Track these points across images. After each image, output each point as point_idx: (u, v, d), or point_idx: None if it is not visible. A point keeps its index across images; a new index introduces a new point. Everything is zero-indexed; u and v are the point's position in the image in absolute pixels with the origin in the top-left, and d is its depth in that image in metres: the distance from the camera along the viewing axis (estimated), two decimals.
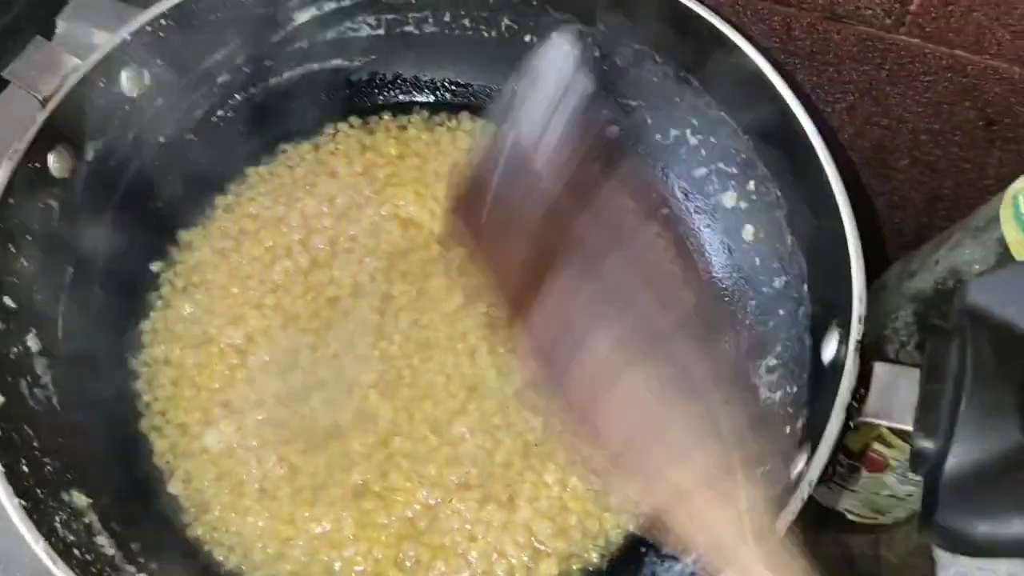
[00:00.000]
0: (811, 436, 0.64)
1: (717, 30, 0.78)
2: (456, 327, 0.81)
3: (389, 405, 0.78)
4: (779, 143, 0.77)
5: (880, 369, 0.61)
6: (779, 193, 0.78)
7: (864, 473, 0.89)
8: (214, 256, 0.84)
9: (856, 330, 0.62)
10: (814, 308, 0.73)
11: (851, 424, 0.60)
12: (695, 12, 0.78)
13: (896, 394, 0.60)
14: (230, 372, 0.79)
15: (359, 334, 0.81)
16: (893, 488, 0.91)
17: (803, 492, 0.58)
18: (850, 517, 0.99)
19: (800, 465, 0.62)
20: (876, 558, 1.03)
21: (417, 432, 0.77)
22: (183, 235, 0.85)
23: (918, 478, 0.77)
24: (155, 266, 0.84)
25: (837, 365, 0.63)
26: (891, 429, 0.61)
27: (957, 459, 0.54)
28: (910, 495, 0.92)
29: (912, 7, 0.81)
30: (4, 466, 0.61)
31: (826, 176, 0.70)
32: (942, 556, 0.96)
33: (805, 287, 0.74)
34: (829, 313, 0.69)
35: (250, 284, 0.83)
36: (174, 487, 0.75)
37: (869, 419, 0.60)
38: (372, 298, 0.82)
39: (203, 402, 0.78)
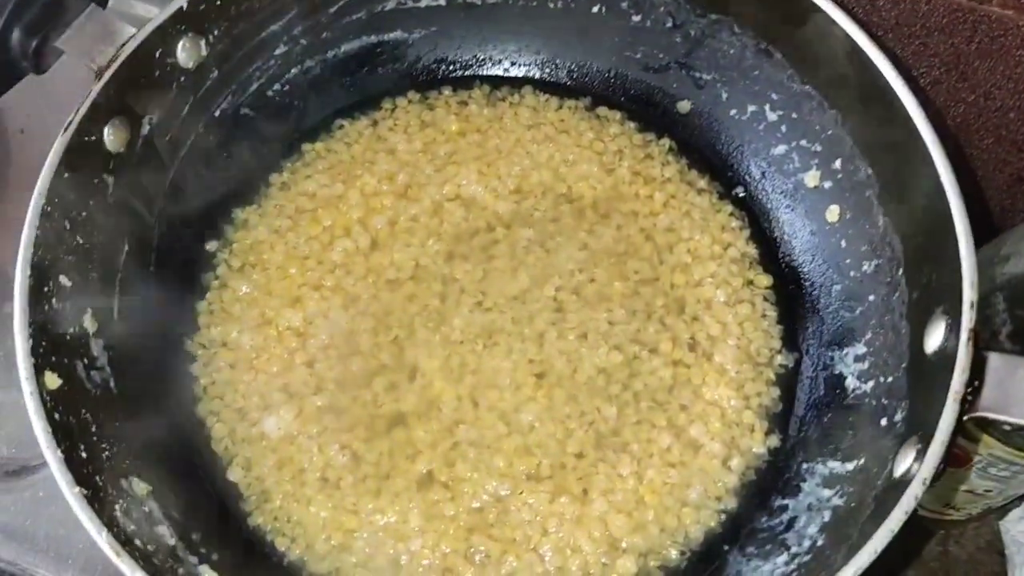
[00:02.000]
0: (916, 430, 0.60)
1: None
2: (522, 311, 0.77)
3: (453, 392, 0.75)
4: (871, 117, 0.72)
5: (995, 360, 0.57)
6: (870, 171, 0.74)
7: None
8: (271, 235, 0.81)
9: (968, 317, 0.58)
10: (912, 294, 0.68)
11: (964, 419, 0.56)
12: None
13: (1014, 387, 0.56)
14: (289, 355, 0.76)
15: (420, 318, 0.77)
16: (971, 483, 0.87)
17: (916, 490, 0.54)
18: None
19: (908, 461, 0.57)
20: (944, 553, 0.99)
21: (483, 420, 0.74)
22: (238, 213, 0.82)
23: (1009, 484, 0.73)
24: (210, 245, 0.81)
25: (946, 355, 0.59)
26: (1010, 431, 0.57)
27: None
28: (988, 491, 0.87)
29: None
30: (63, 453, 0.58)
31: (928, 151, 0.65)
32: (1015, 555, 0.92)
33: (900, 271, 0.70)
34: (932, 299, 0.64)
35: (308, 264, 0.80)
36: (233, 474, 0.72)
37: (984, 413, 0.56)
38: (434, 281, 0.79)
39: (261, 386, 0.75)
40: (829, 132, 0.77)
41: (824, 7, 0.72)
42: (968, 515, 0.94)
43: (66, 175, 0.67)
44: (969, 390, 0.56)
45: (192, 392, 0.75)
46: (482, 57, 0.90)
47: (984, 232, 0.89)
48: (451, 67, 0.90)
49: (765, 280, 0.80)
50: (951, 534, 0.98)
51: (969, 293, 0.59)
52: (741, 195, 0.84)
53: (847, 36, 0.71)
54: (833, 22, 0.72)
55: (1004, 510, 0.91)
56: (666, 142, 0.86)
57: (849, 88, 0.73)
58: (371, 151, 0.85)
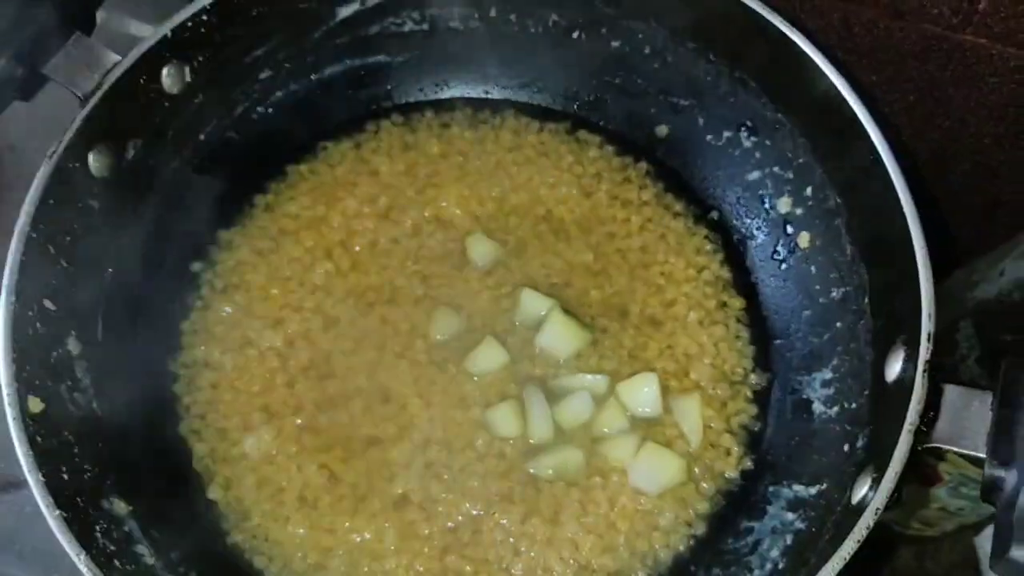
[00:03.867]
0: (874, 459, 0.61)
1: (776, 28, 0.75)
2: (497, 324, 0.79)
3: (426, 413, 0.76)
4: (839, 147, 0.73)
5: (951, 392, 0.58)
6: (839, 200, 0.75)
7: (916, 486, 0.87)
8: (254, 257, 0.83)
9: (925, 349, 0.59)
10: (876, 322, 0.70)
11: (919, 448, 0.57)
12: (752, 9, 0.75)
13: (968, 419, 0.57)
14: (270, 376, 0.78)
15: (393, 340, 0.79)
16: (944, 502, 0.88)
17: (869, 520, 0.55)
18: (895, 528, 0.97)
19: (864, 490, 0.59)
20: (921, 569, 1.01)
21: (456, 442, 0.75)
22: (223, 235, 0.84)
23: (982, 503, 0.74)
24: (195, 266, 0.82)
25: (903, 385, 0.60)
26: (961, 455, 0.58)
27: None
28: (961, 509, 0.89)
29: (980, 6, 0.78)
30: (44, 476, 0.59)
31: (891, 182, 0.67)
32: (988, 572, 0.93)
33: (866, 299, 0.71)
34: (894, 329, 0.66)
35: (290, 286, 0.81)
36: (213, 493, 0.74)
37: (938, 444, 0.58)
38: (409, 303, 0.80)
39: (242, 406, 0.76)
40: (800, 160, 0.79)
41: (795, 39, 0.73)
42: (943, 532, 0.95)
43: (51, 201, 0.68)
44: (924, 421, 0.58)
45: (174, 412, 0.76)
46: (464, 80, 0.91)
47: (958, 257, 0.91)
48: (433, 90, 0.91)
49: (738, 303, 0.82)
50: (927, 550, 1.00)
51: (927, 325, 0.61)
52: (716, 218, 0.85)
53: (816, 68, 0.73)
54: (806, 54, 0.73)
55: (979, 526, 0.93)
56: (644, 166, 0.87)
57: (819, 119, 0.74)
58: (354, 173, 0.87)
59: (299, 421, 0.76)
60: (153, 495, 0.70)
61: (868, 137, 0.69)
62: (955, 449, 0.57)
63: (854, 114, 0.70)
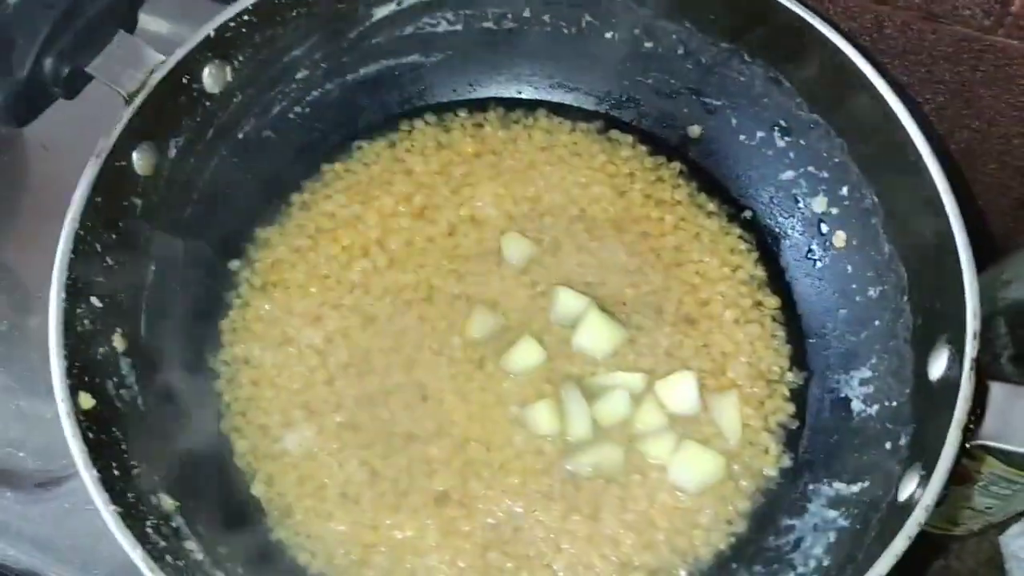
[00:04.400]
0: (920, 456, 0.62)
1: (811, 27, 0.76)
2: (533, 321, 0.80)
3: (464, 410, 0.77)
4: (877, 146, 0.74)
5: (997, 389, 0.59)
6: (875, 199, 0.76)
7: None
8: (292, 255, 0.83)
9: (971, 347, 0.60)
10: (917, 320, 0.70)
11: (967, 446, 0.58)
12: (787, 8, 0.76)
13: (1015, 416, 0.58)
14: (309, 373, 0.78)
15: (431, 338, 0.79)
16: (973, 501, 0.89)
17: (920, 517, 0.56)
18: (923, 527, 0.97)
19: (912, 487, 0.59)
20: (946, 568, 1.01)
21: (494, 440, 0.76)
22: (260, 233, 0.84)
23: (1010, 502, 0.75)
24: (233, 264, 0.83)
25: (949, 383, 0.61)
26: (1011, 453, 0.59)
27: None
28: (989, 508, 0.89)
29: (1013, 8, 0.78)
30: (99, 472, 0.60)
31: (931, 180, 0.68)
32: (1015, 569, 0.94)
33: (905, 298, 0.72)
34: (936, 327, 0.66)
35: (328, 284, 0.82)
36: (256, 489, 0.74)
37: (985, 441, 0.58)
38: (445, 301, 0.81)
39: (283, 403, 0.77)
40: (836, 160, 0.79)
41: (832, 39, 0.74)
42: (969, 530, 0.96)
43: (98, 199, 0.69)
44: (971, 419, 0.58)
45: (216, 409, 0.77)
46: (497, 80, 0.91)
47: (987, 255, 0.91)
48: (467, 89, 0.91)
49: (773, 302, 0.82)
50: (952, 549, 1.00)
51: (972, 323, 0.61)
52: (750, 218, 0.86)
53: (855, 68, 0.73)
54: (841, 53, 0.74)
55: (1004, 525, 0.93)
56: (676, 165, 0.88)
57: (856, 118, 0.75)
58: (389, 172, 0.87)
59: (339, 418, 0.76)
60: (199, 492, 0.71)
61: (909, 138, 0.70)
62: (1005, 446, 0.57)
63: (893, 114, 0.71)
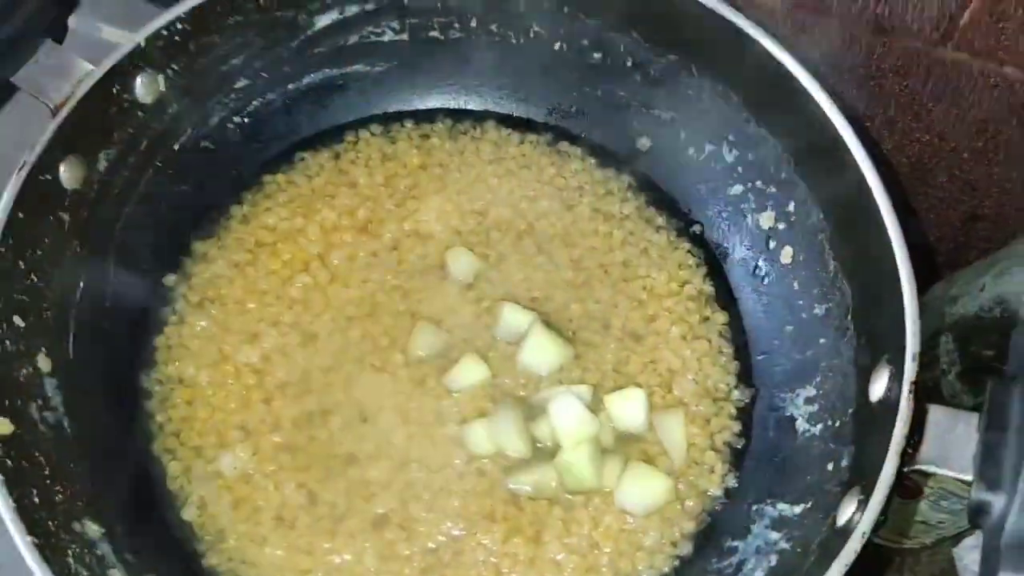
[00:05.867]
0: (859, 479, 0.61)
1: (758, 43, 0.75)
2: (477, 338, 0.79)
3: (405, 431, 0.75)
4: (821, 161, 0.73)
5: (936, 413, 0.58)
6: (822, 215, 0.75)
7: (896, 499, 0.87)
8: (230, 269, 0.81)
9: (910, 369, 0.59)
10: (860, 340, 0.70)
11: (904, 470, 0.57)
12: (735, 24, 0.75)
13: (954, 440, 0.57)
14: (246, 393, 0.76)
15: (372, 356, 0.78)
16: (925, 515, 0.89)
17: (856, 544, 0.55)
18: (874, 540, 0.97)
19: (851, 511, 0.59)
20: None
21: (435, 461, 0.74)
22: (198, 247, 0.82)
23: (962, 516, 0.74)
24: (169, 279, 0.80)
25: (888, 405, 0.60)
26: (948, 477, 0.58)
27: (1022, 516, 0.51)
28: (941, 523, 0.89)
29: (961, 22, 0.78)
30: (15, 500, 0.58)
31: (875, 202, 0.67)
32: None
33: (849, 317, 0.71)
34: (878, 346, 0.66)
35: (267, 300, 0.80)
36: (188, 513, 0.72)
37: (923, 467, 0.57)
38: (388, 317, 0.79)
39: (218, 424, 0.75)
40: (783, 176, 0.78)
41: (775, 53, 0.73)
42: (923, 544, 0.96)
43: (20, 215, 0.66)
44: (910, 443, 0.57)
45: (147, 430, 0.75)
46: (444, 91, 0.90)
47: (935, 270, 0.91)
48: (413, 100, 0.90)
49: (721, 317, 0.81)
50: (907, 562, 1.00)
51: (912, 345, 0.60)
52: (698, 232, 0.85)
53: (798, 83, 0.72)
54: (784, 67, 0.73)
55: (958, 538, 0.93)
56: (626, 179, 0.87)
57: (800, 133, 0.74)
58: (332, 184, 0.86)
59: (277, 439, 0.74)
60: (126, 517, 0.68)
61: (852, 155, 0.69)
62: (942, 471, 0.57)
63: (837, 132, 0.70)
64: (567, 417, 0.73)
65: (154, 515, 0.72)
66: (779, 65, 0.73)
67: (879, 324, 0.66)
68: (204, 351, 0.77)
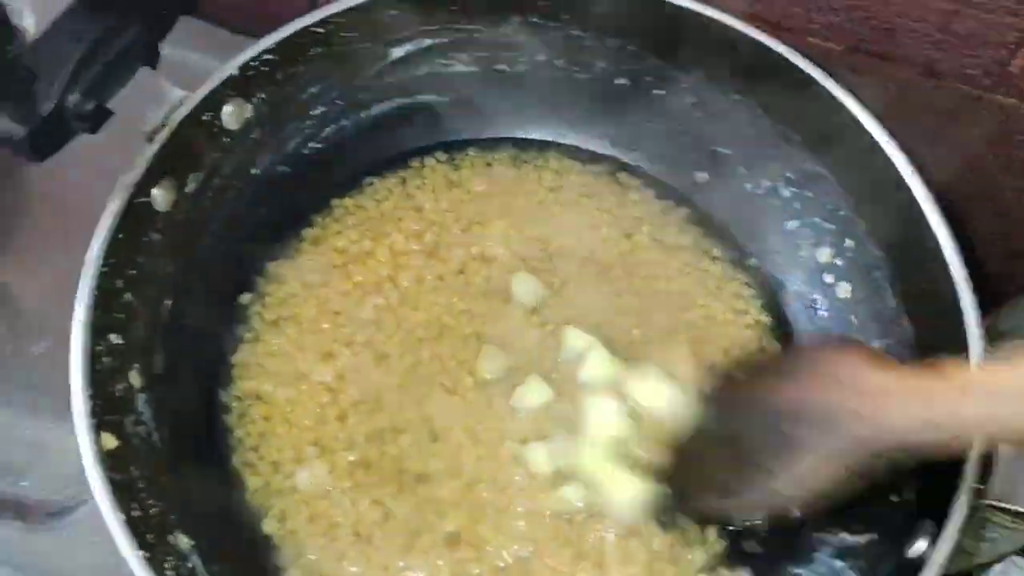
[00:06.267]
0: (928, 512, 0.63)
1: (819, 85, 0.78)
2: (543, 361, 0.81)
3: (474, 452, 0.77)
4: (882, 201, 0.76)
5: (1005, 448, 0.61)
6: (881, 252, 0.78)
7: None
8: (303, 290, 0.83)
9: None
10: None
11: (974, 505, 0.60)
12: (796, 66, 0.78)
13: (1021, 475, 0.60)
14: (321, 410, 0.78)
15: (444, 375, 0.80)
16: (965, 544, 0.91)
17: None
18: None
19: (921, 544, 0.61)
20: None
21: (502, 480, 0.76)
22: (272, 267, 0.85)
23: (1001, 546, 0.77)
24: (245, 298, 0.83)
25: None
26: (1018, 513, 0.61)
27: None
28: (978, 550, 0.91)
29: (1012, 68, 0.81)
30: (124, 515, 0.60)
31: (937, 240, 0.70)
32: None
33: (911, 352, 0.74)
34: None
35: (340, 320, 0.82)
36: (269, 526, 0.74)
37: (994, 502, 0.60)
38: (456, 339, 0.82)
39: (295, 440, 0.77)
40: (841, 213, 0.81)
41: (839, 97, 0.76)
42: (959, 570, 0.98)
43: (120, 235, 0.69)
44: (979, 478, 0.60)
45: (228, 444, 0.77)
46: (509, 120, 0.93)
47: (982, 305, 0.94)
48: (478, 128, 0.92)
49: (777, 348, 0.84)
50: None
51: None
52: (754, 265, 0.88)
53: (860, 125, 0.76)
54: (847, 111, 0.76)
55: (986, 566, 0.95)
56: (684, 211, 0.89)
57: (861, 174, 0.77)
58: (400, 209, 0.88)
59: (352, 457, 0.76)
60: (212, 529, 0.71)
61: (913, 195, 0.72)
62: (1012, 507, 0.59)
63: (898, 172, 0.73)
64: (596, 413, 0.76)
65: (236, 529, 0.74)
66: (841, 106, 0.77)
67: (943, 360, 0.69)
68: (280, 369, 0.80)
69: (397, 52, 0.86)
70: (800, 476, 0.60)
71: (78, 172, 0.92)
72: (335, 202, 0.88)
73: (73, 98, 0.70)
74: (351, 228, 0.87)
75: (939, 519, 0.60)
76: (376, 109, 0.89)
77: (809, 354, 0.66)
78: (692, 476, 0.71)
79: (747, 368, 0.73)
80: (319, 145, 0.87)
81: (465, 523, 0.74)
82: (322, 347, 0.81)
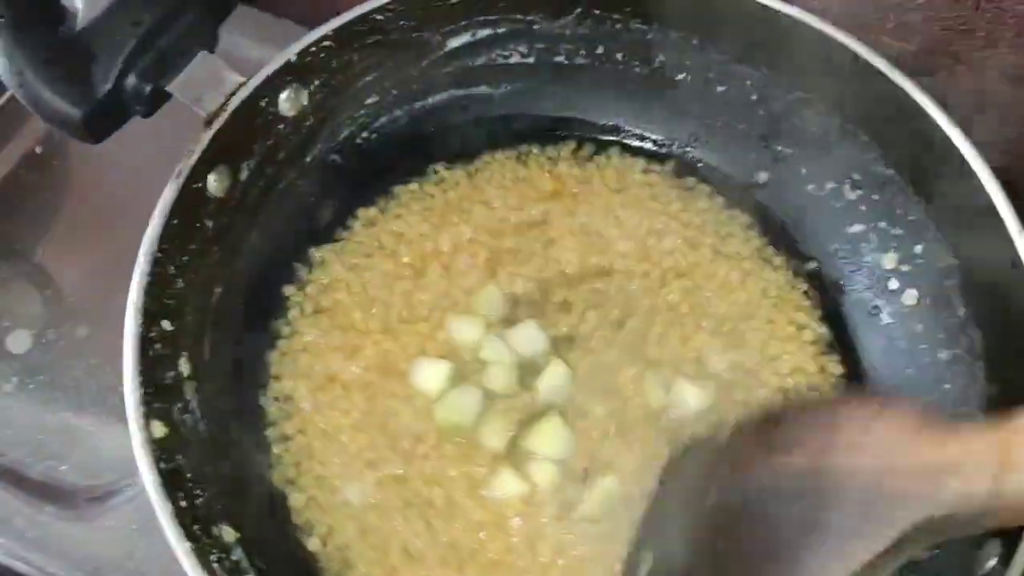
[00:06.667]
0: (997, 532, 0.61)
1: (892, 83, 0.75)
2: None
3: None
4: (959, 210, 0.73)
5: None
6: (953, 260, 0.75)
7: None
8: (347, 273, 0.82)
9: None
10: (991, 387, 0.69)
11: None
12: (867, 62, 0.75)
13: None
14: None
15: None
16: None
17: None
18: None
19: (990, 562, 0.59)
20: None
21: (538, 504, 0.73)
22: (315, 254, 0.84)
23: None
24: (288, 290, 0.82)
25: None
26: None
27: None
28: None
29: None
30: (173, 504, 0.59)
31: (1017, 252, 0.67)
32: None
33: (980, 364, 0.71)
34: (1014, 397, 0.65)
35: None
36: (295, 502, 0.73)
37: None
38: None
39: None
40: (911, 218, 0.78)
41: (914, 96, 0.73)
42: None
43: (175, 221, 0.68)
44: None
45: (267, 437, 0.76)
46: (567, 114, 0.91)
47: None
48: (535, 122, 0.90)
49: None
50: None
51: None
52: (815, 268, 0.85)
53: (935, 125, 0.72)
54: (923, 111, 0.73)
55: None
56: (746, 218, 0.86)
57: (938, 179, 0.74)
58: (467, 201, 0.86)
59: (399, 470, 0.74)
60: (256, 520, 0.70)
61: (993, 203, 0.69)
62: None
63: (977, 178, 0.70)
64: None
65: (279, 518, 0.73)
66: (916, 107, 0.73)
67: (1015, 374, 0.66)
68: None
69: (454, 42, 0.84)
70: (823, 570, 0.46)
71: (126, 156, 0.92)
72: (397, 189, 0.87)
73: (130, 81, 0.70)
74: (414, 214, 0.85)
75: (1010, 540, 0.57)
76: (431, 100, 0.88)
77: (843, 410, 0.51)
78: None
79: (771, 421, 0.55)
80: (372, 135, 0.86)
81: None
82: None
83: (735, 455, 0.53)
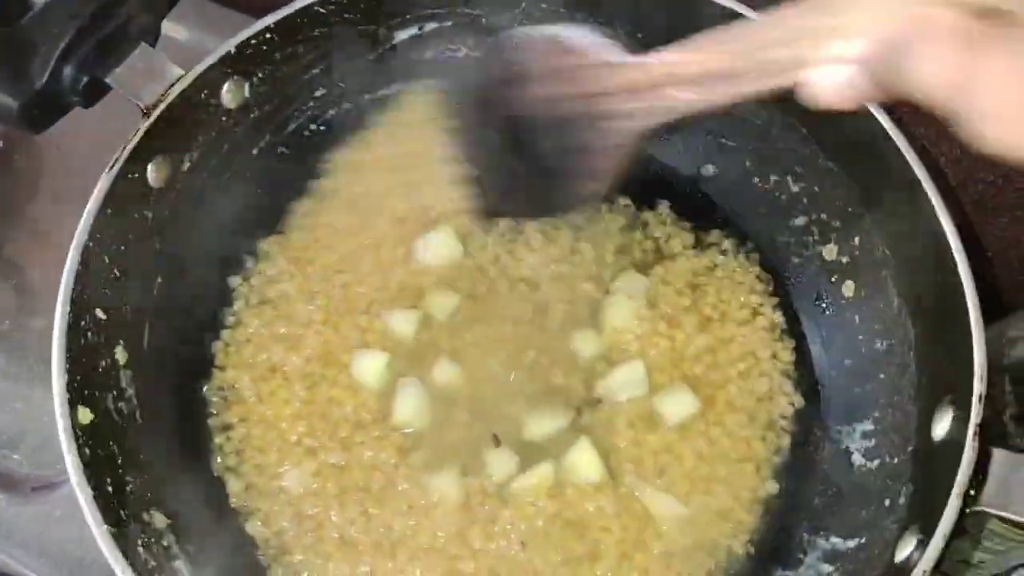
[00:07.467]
0: (918, 518, 0.61)
1: None
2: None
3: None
4: (892, 199, 0.74)
5: (999, 456, 0.58)
6: (887, 251, 0.75)
7: None
8: (289, 266, 0.83)
9: (976, 412, 0.59)
10: (921, 377, 0.70)
11: (965, 512, 0.57)
12: None
13: (1017, 484, 0.57)
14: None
15: None
16: (965, 553, 0.88)
17: None
18: None
19: (909, 549, 0.59)
20: None
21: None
22: (262, 246, 0.84)
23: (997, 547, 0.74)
24: (233, 281, 0.82)
25: (951, 445, 0.60)
26: (1010, 521, 0.58)
27: None
28: (982, 562, 0.89)
29: None
30: (93, 489, 0.60)
31: (947, 242, 0.67)
32: None
33: (911, 353, 0.71)
34: (941, 386, 0.66)
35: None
36: (236, 496, 0.74)
37: (986, 508, 0.58)
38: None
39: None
40: (849, 210, 0.79)
41: None
42: None
43: (108, 211, 0.69)
44: (972, 484, 0.58)
45: (208, 425, 0.77)
46: None
47: (992, 308, 0.91)
48: None
49: (788, 353, 0.81)
50: None
51: (979, 387, 0.61)
52: (757, 257, 0.85)
53: (870, 118, 0.73)
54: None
55: None
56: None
57: (873, 170, 0.75)
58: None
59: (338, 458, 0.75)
60: (190, 506, 0.70)
61: (924, 192, 0.69)
62: (1004, 514, 0.57)
63: (910, 169, 0.70)
64: None
65: (215, 503, 0.73)
66: None
67: (943, 363, 0.67)
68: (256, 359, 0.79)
69: (401, 35, 0.85)
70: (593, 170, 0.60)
71: (85, 146, 0.93)
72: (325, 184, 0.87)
73: (68, 72, 0.71)
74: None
75: (929, 526, 0.57)
76: (380, 93, 0.88)
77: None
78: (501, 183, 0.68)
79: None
80: (321, 127, 0.87)
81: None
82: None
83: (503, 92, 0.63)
